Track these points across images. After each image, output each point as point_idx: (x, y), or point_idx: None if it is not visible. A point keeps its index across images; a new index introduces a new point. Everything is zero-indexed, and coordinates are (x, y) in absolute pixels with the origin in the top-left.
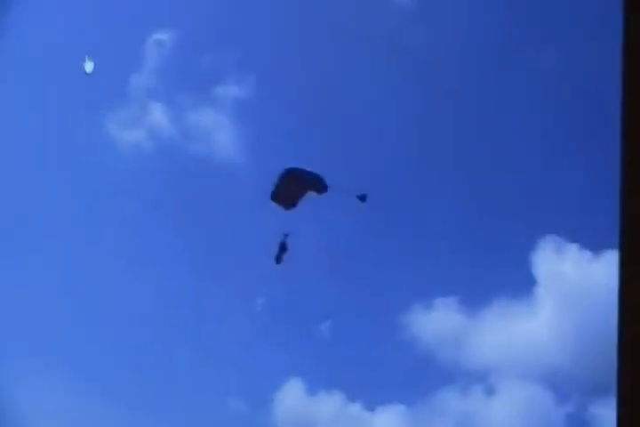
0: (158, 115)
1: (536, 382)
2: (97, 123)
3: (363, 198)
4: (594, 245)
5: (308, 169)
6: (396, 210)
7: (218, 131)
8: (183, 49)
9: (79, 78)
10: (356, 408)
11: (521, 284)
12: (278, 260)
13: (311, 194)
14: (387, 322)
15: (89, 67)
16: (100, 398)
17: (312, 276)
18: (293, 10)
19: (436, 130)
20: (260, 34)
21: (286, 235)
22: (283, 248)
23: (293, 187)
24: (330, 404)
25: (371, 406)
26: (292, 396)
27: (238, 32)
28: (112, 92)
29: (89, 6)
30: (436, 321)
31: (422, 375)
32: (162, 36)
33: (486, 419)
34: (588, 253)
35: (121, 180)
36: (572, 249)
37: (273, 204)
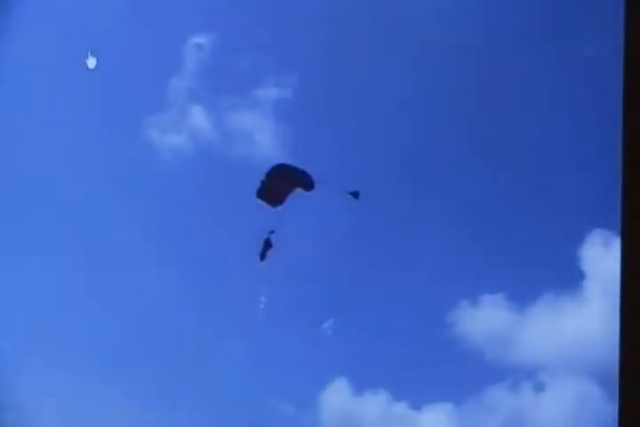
0: (199, 118)
1: (586, 378)
2: (137, 128)
3: (355, 195)
4: None
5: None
6: (441, 206)
7: (258, 132)
8: (222, 51)
9: (120, 83)
10: (402, 408)
11: (569, 279)
12: (262, 257)
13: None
14: (433, 319)
15: (91, 63)
16: (135, 399)
17: (343, 271)
18: (331, 10)
19: (474, 125)
20: (298, 34)
21: (271, 232)
22: (267, 245)
23: (280, 184)
24: (375, 403)
25: (417, 406)
26: (337, 396)
27: (277, 33)
28: (152, 97)
29: (128, 12)
30: (483, 318)
31: (470, 373)
32: (201, 39)
33: (536, 416)
34: None
35: (162, 184)
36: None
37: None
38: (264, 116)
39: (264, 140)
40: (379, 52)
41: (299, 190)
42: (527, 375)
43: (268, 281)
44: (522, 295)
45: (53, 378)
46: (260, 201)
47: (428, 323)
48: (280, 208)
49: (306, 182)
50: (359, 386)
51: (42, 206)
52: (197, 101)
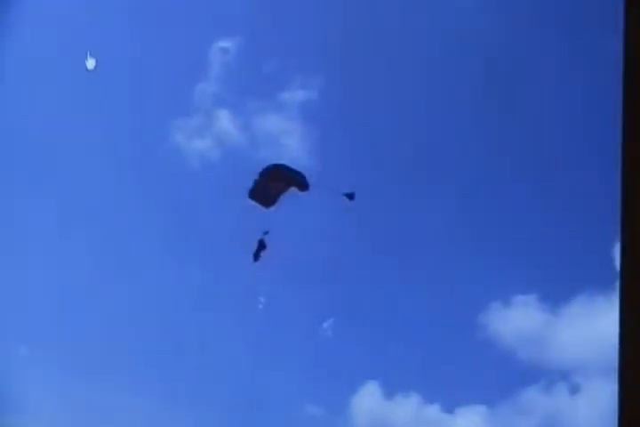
0: (225, 122)
1: None
2: (165, 132)
3: (351, 197)
4: None
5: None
6: (473, 207)
7: (285, 136)
8: (247, 55)
9: (147, 88)
10: (434, 410)
11: (603, 279)
12: (256, 257)
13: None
14: (465, 321)
15: (90, 64)
16: (136, 399)
17: (375, 272)
18: (355, 12)
19: (501, 126)
20: (323, 37)
21: (266, 232)
22: (261, 246)
23: (273, 184)
24: (407, 406)
25: (449, 408)
26: (368, 399)
27: (300, 35)
28: (179, 102)
29: (153, 18)
30: (516, 319)
31: (503, 375)
32: (226, 43)
33: (571, 418)
34: None
35: (189, 188)
36: None
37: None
38: (290, 118)
39: (291, 142)
40: (403, 53)
41: (293, 190)
42: (562, 377)
43: (267, 281)
44: (555, 296)
45: (53, 378)
46: (252, 202)
47: (460, 325)
48: (283, 208)
49: (300, 182)
50: (390, 389)
51: (64, 208)
52: (224, 105)
